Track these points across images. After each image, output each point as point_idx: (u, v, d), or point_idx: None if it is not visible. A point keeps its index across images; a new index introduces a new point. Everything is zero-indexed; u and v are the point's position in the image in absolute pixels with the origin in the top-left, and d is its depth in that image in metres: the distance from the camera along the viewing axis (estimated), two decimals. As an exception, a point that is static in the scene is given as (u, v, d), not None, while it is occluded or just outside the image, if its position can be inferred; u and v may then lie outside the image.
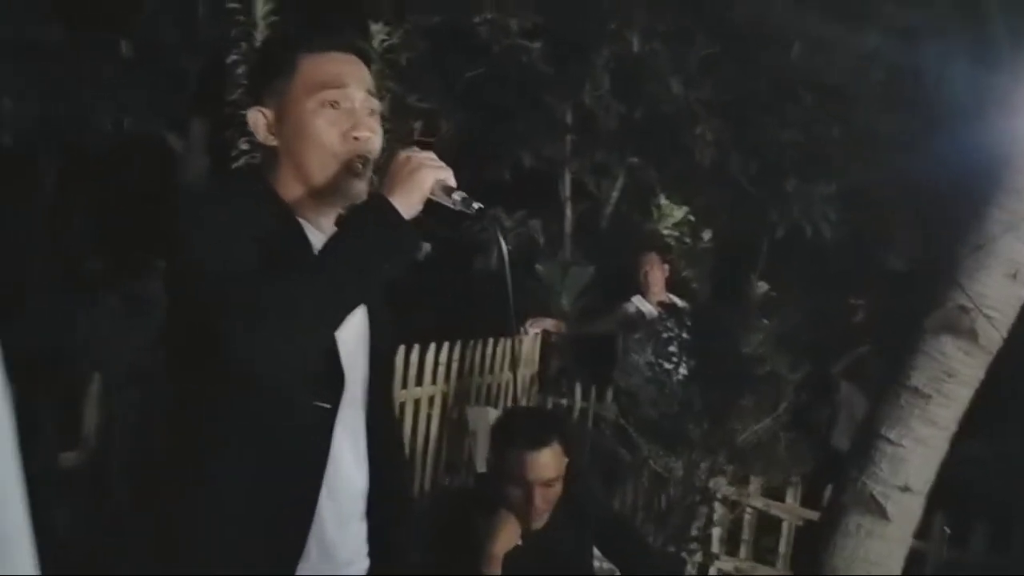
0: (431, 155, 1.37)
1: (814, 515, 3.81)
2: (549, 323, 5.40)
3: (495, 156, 6.43)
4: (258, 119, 1.45)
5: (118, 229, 6.28)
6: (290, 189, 1.44)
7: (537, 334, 5.35)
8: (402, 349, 3.88)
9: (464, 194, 1.35)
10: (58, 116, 5.66)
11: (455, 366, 4.36)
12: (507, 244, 1.50)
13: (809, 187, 6.27)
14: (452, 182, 1.36)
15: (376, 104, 1.47)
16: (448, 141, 5.98)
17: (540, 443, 2.22)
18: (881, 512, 3.03)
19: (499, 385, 4.96)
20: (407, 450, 3.99)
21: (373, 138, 1.43)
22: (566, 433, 2.33)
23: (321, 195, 1.43)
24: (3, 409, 0.50)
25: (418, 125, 5.61)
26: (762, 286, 6.97)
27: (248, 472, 1.38)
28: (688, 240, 7.12)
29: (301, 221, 1.44)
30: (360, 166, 1.40)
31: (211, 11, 5.12)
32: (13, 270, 5.02)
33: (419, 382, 4.07)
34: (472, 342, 4.50)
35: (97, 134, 5.84)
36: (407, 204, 1.32)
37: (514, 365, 5.09)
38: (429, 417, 4.21)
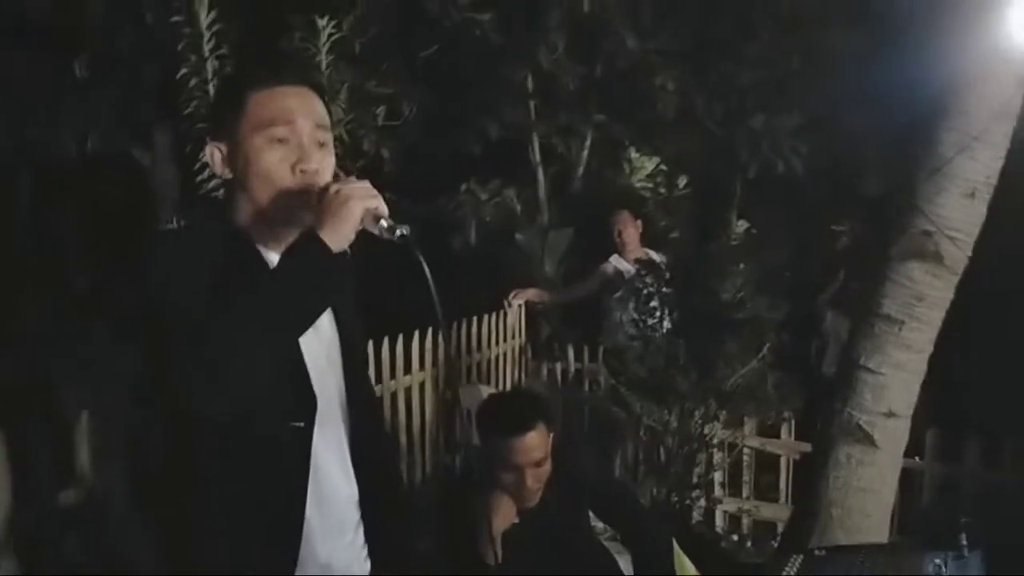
0: (362, 185, 1.39)
1: (810, 447, 3.89)
2: (531, 293, 5.44)
3: (461, 130, 6.42)
4: (214, 154, 1.49)
5: (97, 250, 6.28)
6: (248, 219, 1.48)
7: (521, 305, 5.40)
8: (386, 339, 3.91)
9: (390, 221, 1.38)
10: (22, 140, 5.64)
11: (441, 349, 4.38)
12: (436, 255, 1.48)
13: (775, 122, 6.28)
14: (383, 210, 1.38)
15: (326, 136, 1.49)
16: (412, 122, 5.97)
17: (524, 428, 2.27)
18: (869, 440, 3.11)
19: (489, 361, 5.01)
20: (403, 438, 4.05)
21: (321, 171, 1.46)
22: (548, 412, 2.38)
23: (275, 225, 1.47)
24: None
25: (380, 110, 5.59)
26: (742, 224, 7.03)
27: (235, 494, 1.42)
28: (664, 190, 7.15)
29: (261, 249, 1.48)
30: (307, 198, 1.43)
31: (159, 23, 5.06)
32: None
33: (407, 370, 4.10)
34: (456, 322, 4.54)
35: (63, 154, 5.81)
36: (337, 237, 1.35)
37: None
38: (422, 402, 4.25)
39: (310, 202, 1.42)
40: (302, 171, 1.44)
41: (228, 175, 1.49)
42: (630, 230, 5.08)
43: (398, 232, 1.37)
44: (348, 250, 1.40)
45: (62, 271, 6.27)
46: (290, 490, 1.46)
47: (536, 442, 2.29)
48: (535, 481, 2.31)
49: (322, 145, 1.48)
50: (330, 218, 1.35)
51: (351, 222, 1.36)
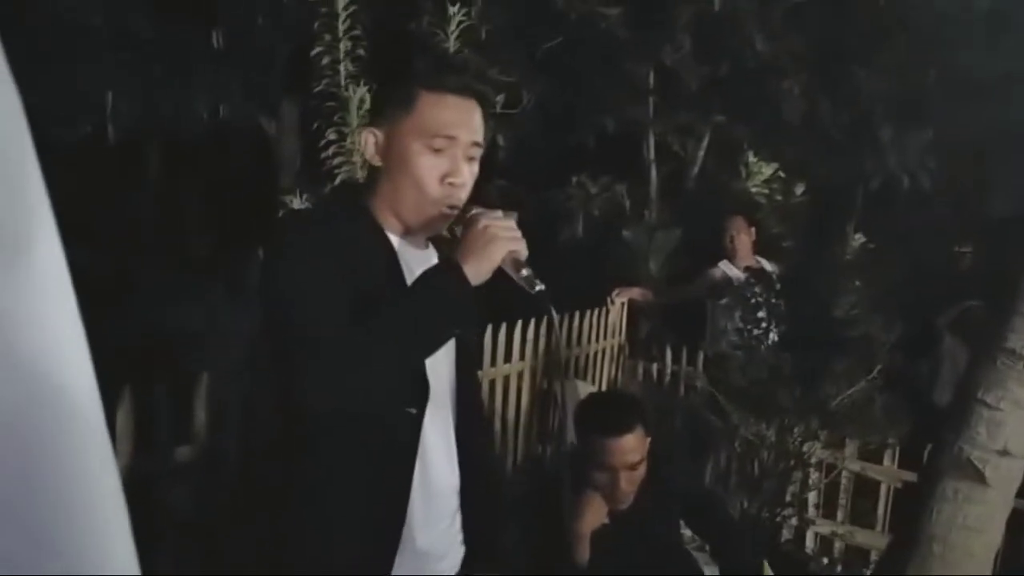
0: (508, 225, 1.43)
1: (913, 477, 3.76)
2: (635, 292, 5.39)
3: (578, 123, 6.42)
4: (369, 140, 1.54)
5: (221, 216, 6.55)
6: (385, 209, 1.54)
7: (624, 303, 5.36)
8: (489, 327, 3.94)
9: (530, 270, 1.41)
10: (158, 107, 5.91)
11: (542, 341, 4.38)
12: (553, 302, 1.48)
13: (905, 136, 6.06)
14: (524, 255, 1.42)
15: (478, 152, 1.53)
16: (529, 111, 6.00)
17: (622, 429, 2.27)
18: (979, 477, 2.97)
19: (587, 356, 5.00)
20: (497, 426, 4.08)
21: (466, 183, 1.51)
22: (647, 415, 2.36)
23: (409, 225, 1.54)
24: (96, 407, 0.55)
25: (500, 98, 5.64)
26: (859, 238, 6.80)
27: (342, 472, 1.47)
28: (780, 197, 6.99)
29: (392, 237, 1.53)
30: (448, 210, 1.50)
31: (296, 1, 5.22)
32: (122, 263, 5.31)
33: (507, 359, 4.12)
34: (559, 315, 4.53)
35: (195, 122, 6.07)
36: (476, 272, 1.39)
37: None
38: (519, 392, 4.27)
39: (449, 217, 1.50)
40: (450, 183, 1.49)
41: (377, 162, 1.53)
42: (743, 236, 4.96)
43: (537, 287, 1.41)
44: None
45: (188, 235, 6.55)
46: (397, 474, 1.50)
47: (633, 444, 2.28)
48: (628, 484, 2.30)
49: (472, 159, 1.53)
50: (473, 253, 1.40)
51: (493, 261, 1.40)
